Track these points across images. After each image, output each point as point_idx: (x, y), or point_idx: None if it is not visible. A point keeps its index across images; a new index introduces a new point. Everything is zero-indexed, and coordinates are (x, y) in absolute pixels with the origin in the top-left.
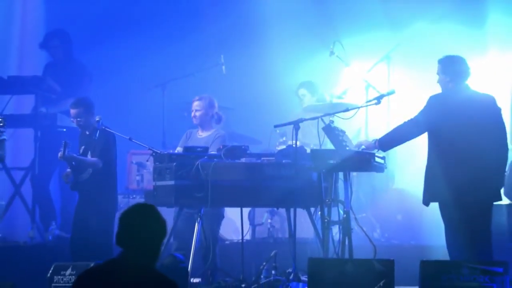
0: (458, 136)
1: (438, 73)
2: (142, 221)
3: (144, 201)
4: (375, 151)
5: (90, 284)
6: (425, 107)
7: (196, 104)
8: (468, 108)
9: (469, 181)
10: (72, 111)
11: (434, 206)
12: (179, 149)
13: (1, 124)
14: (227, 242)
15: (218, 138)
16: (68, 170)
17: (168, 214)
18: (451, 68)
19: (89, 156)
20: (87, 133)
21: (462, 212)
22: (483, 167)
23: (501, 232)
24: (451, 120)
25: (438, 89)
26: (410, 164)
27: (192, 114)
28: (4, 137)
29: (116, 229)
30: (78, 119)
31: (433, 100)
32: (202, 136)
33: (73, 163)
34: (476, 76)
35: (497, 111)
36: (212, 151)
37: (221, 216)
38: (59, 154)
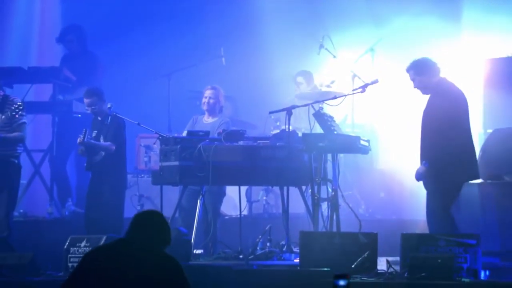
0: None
1: (412, 79)
2: (149, 229)
3: (152, 180)
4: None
5: (99, 260)
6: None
7: (209, 93)
8: None
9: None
10: (86, 100)
11: (414, 184)
12: (185, 133)
13: (21, 107)
14: (226, 217)
15: (224, 123)
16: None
17: (173, 191)
18: (424, 69)
19: (101, 140)
20: (100, 118)
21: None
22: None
23: (474, 208)
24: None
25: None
26: (392, 147)
27: (205, 100)
28: (24, 120)
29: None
30: (93, 107)
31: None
32: (208, 121)
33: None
34: (450, 66)
35: None
36: None
37: (222, 194)
38: (79, 139)
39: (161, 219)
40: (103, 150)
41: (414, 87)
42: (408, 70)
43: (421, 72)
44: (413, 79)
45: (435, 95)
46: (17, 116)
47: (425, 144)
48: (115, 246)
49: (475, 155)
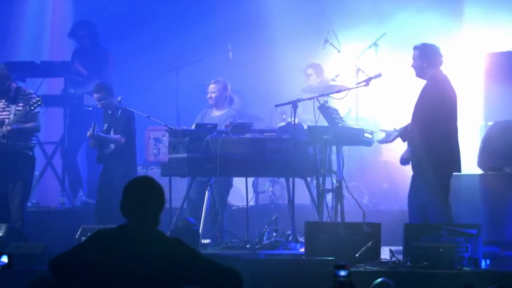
0: None
1: (414, 58)
2: (142, 193)
3: (161, 172)
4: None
5: (104, 242)
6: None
7: (212, 87)
8: None
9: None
10: (96, 95)
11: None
12: (193, 126)
13: (39, 102)
14: (233, 208)
15: (230, 117)
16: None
17: (181, 183)
18: (429, 55)
19: (112, 133)
20: (110, 112)
21: None
22: None
23: (475, 199)
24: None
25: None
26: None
27: (208, 95)
28: (38, 109)
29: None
30: (102, 101)
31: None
32: (216, 115)
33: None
34: (452, 59)
35: None
36: None
37: (229, 185)
38: (88, 132)
39: (152, 186)
40: (113, 143)
41: (411, 66)
42: (415, 48)
43: (425, 56)
44: (414, 59)
45: (428, 85)
46: (35, 111)
47: (413, 131)
48: (117, 231)
49: (458, 149)
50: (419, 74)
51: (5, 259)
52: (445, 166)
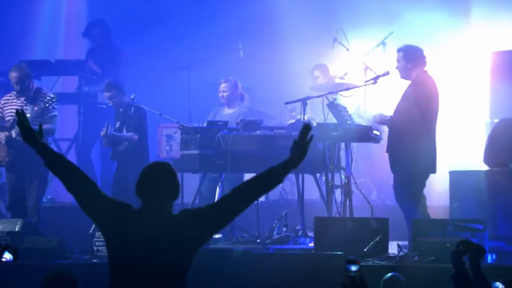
0: None
1: (398, 60)
2: (160, 175)
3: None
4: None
5: (121, 219)
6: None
7: (223, 86)
8: None
9: None
10: (107, 94)
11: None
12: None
13: (54, 100)
14: None
15: (242, 114)
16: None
17: (193, 179)
18: (413, 56)
19: (124, 130)
20: (121, 110)
21: None
22: None
23: (481, 194)
24: None
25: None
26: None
27: (220, 94)
28: (56, 113)
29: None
30: (113, 99)
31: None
32: (227, 112)
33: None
34: (458, 57)
35: None
36: None
37: (240, 181)
38: (102, 132)
39: (170, 171)
40: (127, 140)
41: (396, 68)
42: (398, 51)
43: (409, 58)
44: (398, 60)
45: (412, 85)
46: (50, 108)
47: (393, 128)
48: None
49: (435, 150)
50: (404, 75)
51: (7, 255)
52: (419, 165)
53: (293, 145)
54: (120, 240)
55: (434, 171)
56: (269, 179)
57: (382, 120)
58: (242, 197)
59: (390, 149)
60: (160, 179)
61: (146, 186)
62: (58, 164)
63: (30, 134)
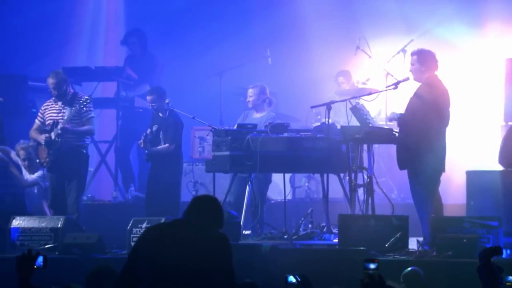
0: None
1: (412, 63)
2: (207, 205)
3: (205, 168)
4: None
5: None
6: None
7: (250, 91)
8: None
9: None
10: (148, 98)
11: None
12: (235, 126)
13: (88, 101)
14: (272, 202)
15: (270, 118)
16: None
17: (224, 178)
18: (427, 59)
19: (161, 134)
20: (160, 114)
21: None
22: None
23: (496, 193)
24: None
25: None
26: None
27: (247, 99)
28: (93, 114)
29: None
30: (153, 104)
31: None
32: (256, 117)
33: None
34: (474, 64)
35: None
36: None
37: (268, 180)
38: (140, 143)
39: (216, 204)
40: (163, 153)
41: (410, 70)
42: (412, 54)
43: (423, 62)
44: (412, 63)
45: (424, 86)
46: (84, 109)
47: (405, 128)
48: (172, 224)
49: (445, 151)
50: (417, 78)
51: (41, 260)
52: (430, 163)
53: None
54: (160, 255)
55: (443, 169)
56: None
57: (392, 117)
58: None
59: (398, 146)
60: (204, 214)
61: (190, 217)
62: None
63: None
